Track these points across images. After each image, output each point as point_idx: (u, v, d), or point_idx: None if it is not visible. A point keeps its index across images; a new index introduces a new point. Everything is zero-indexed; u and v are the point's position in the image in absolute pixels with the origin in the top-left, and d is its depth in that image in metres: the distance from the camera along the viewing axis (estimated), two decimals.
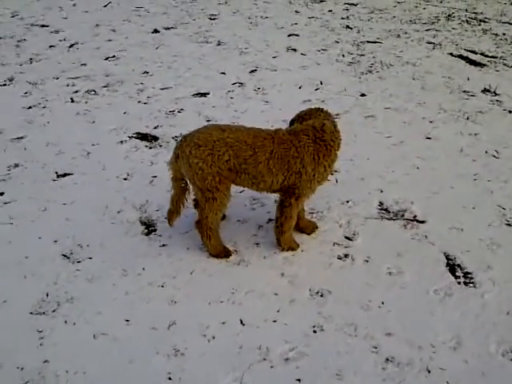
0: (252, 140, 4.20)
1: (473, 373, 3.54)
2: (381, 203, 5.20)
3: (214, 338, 3.77)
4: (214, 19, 10.94)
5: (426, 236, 4.78)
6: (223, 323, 3.87)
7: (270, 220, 4.94)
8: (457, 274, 4.39)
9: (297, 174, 4.25)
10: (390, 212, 5.09)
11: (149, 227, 4.84)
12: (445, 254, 4.58)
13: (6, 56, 8.83)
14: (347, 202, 5.22)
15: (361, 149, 6.15)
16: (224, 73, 8.24)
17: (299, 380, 3.47)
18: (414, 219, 5.00)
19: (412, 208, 5.14)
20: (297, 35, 10.00)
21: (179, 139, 4.37)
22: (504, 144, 6.23)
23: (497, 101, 7.41)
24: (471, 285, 4.27)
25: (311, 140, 4.26)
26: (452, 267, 4.45)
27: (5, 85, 7.80)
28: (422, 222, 4.97)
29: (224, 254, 4.48)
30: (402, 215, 5.05)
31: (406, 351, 3.67)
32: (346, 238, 4.74)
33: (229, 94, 7.53)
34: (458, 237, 4.77)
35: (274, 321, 3.89)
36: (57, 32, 10.08)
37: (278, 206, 4.48)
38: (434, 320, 3.93)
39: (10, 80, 7.95)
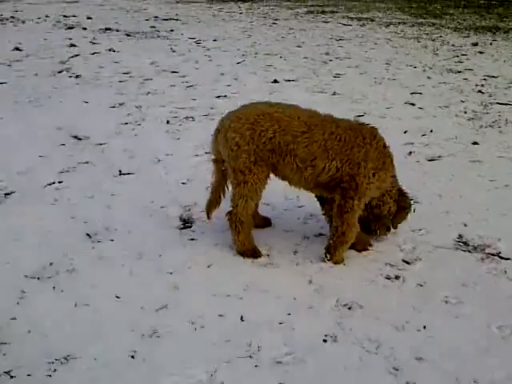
0: (307, 118, 3.72)
1: None
2: (460, 236, 4.35)
3: (202, 327, 3.18)
4: (338, 77, 10.70)
5: (505, 271, 3.86)
6: (220, 315, 3.28)
7: (321, 234, 4.28)
8: None
9: (355, 165, 3.67)
10: (468, 245, 4.21)
11: (185, 223, 4.41)
12: None
13: (127, 87, 9.20)
14: (419, 230, 4.42)
15: (454, 186, 5.33)
16: None
17: None
18: (497, 254, 4.07)
19: (497, 244, 4.22)
20: (420, 93, 9.38)
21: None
22: None
23: None
24: None
25: (382, 143, 3.80)
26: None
27: (114, 107, 8.03)
28: (507, 258, 4.03)
29: (251, 253, 3.90)
30: (483, 249, 4.14)
31: (435, 380, 2.78)
32: (404, 261, 3.98)
33: None
34: None
35: (281, 323, 3.21)
36: (183, 76, 10.39)
37: (335, 215, 3.83)
38: (487, 356, 3.04)
39: (121, 104, 8.18)
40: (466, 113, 8.23)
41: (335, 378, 2.80)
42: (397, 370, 2.88)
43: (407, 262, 3.94)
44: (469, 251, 4.12)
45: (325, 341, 3.08)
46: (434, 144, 6.70)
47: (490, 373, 2.89)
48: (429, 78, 10.85)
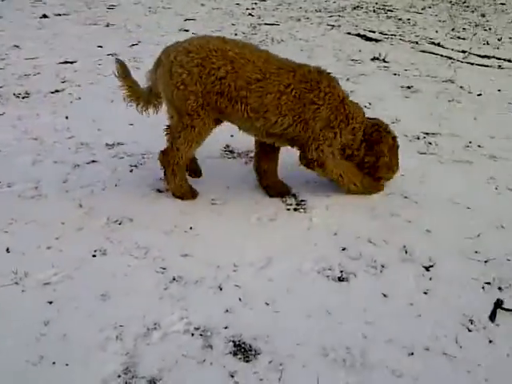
0: (263, 64, 3.35)
1: (274, 289, 2.91)
2: (227, 146, 4.58)
3: None
4: (113, 8, 10.39)
5: None
6: None
7: (93, 161, 4.27)
8: (289, 202, 3.76)
9: (305, 124, 3.45)
10: (234, 152, 4.48)
11: None
12: None
13: None
14: None
15: None
16: (101, 46, 7.62)
17: (50, 302, 2.73)
18: None
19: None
20: (193, 19, 9.50)
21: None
22: (379, 96, 5.75)
23: (384, 66, 6.97)
24: (302, 210, 3.69)
25: (339, 99, 3.50)
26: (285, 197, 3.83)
27: None
28: None
29: (191, 194, 3.75)
30: (247, 154, 4.43)
31: (199, 271, 3.01)
32: None
33: (97, 62, 6.89)
34: (304, 171, 4.14)
35: (49, 247, 3.18)
36: None
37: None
38: (246, 242, 3.32)
39: None
40: (236, 34, 8.55)
41: (103, 285, 2.88)
42: (164, 268, 3.05)
43: None
44: (234, 158, 4.39)
45: (94, 256, 3.13)
46: None
47: (248, 256, 3.18)
48: (202, 4, 11.03)
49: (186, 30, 8.84)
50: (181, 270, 3.03)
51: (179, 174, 3.64)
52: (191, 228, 3.44)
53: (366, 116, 3.80)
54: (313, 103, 3.40)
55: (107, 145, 4.55)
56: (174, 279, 2.97)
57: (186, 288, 2.90)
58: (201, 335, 2.62)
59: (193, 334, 2.62)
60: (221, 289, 2.91)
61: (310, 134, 3.47)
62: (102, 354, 2.49)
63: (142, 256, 3.15)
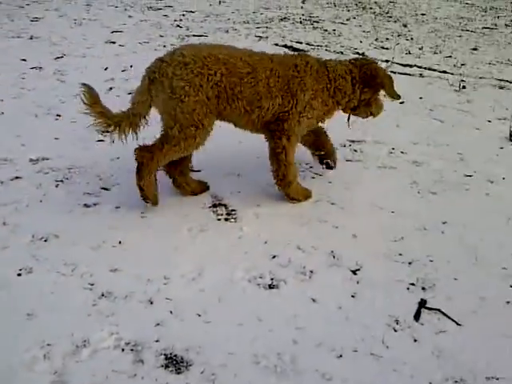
0: (249, 57, 3.57)
1: (206, 300, 2.94)
2: None
3: None
4: (37, 20, 10.14)
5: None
6: None
7: (17, 178, 4.13)
8: (219, 212, 3.78)
9: (292, 98, 3.62)
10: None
11: None
12: (212, 195, 4.00)
13: None
14: (117, 158, 4.50)
15: None
16: (25, 59, 7.42)
17: None
18: (191, 169, 4.37)
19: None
20: (121, 31, 9.41)
21: (153, 61, 3.49)
22: None
23: None
24: (232, 220, 3.72)
25: (315, 68, 3.75)
26: (216, 206, 3.85)
27: None
28: (198, 171, 4.36)
29: (155, 200, 3.70)
30: None
31: (129, 286, 2.98)
32: (103, 188, 4.02)
33: (21, 76, 6.72)
34: (234, 181, 4.21)
35: None
36: None
37: (270, 159, 3.79)
38: (177, 254, 3.32)
39: None
40: (165, 46, 8.51)
41: (29, 304, 2.82)
42: (92, 284, 3.00)
43: (106, 189, 4.03)
44: (164, 170, 4.35)
45: (19, 275, 3.05)
46: (133, 78, 6.81)
47: (178, 269, 3.18)
48: (130, 16, 10.92)
49: (113, 42, 8.75)
50: (110, 286, 3.00)
51: (153, 173, 3.63)
52: (120, 242, 3.41)
53: (346, 60, 3.99)
54: (294, 77, 3.63)
55: (31, 160, 4.44)
56: (102, 295, 2.93)
57: (115, 303, 2.87)
58: (131, 350, 2.59)
59: (123, 350, 2.59)
60: (151, 302, 2.90)
61: (299, 108, 3.68)
62: (28, 374, 2.43)
63: (69, 273, 3.10)
